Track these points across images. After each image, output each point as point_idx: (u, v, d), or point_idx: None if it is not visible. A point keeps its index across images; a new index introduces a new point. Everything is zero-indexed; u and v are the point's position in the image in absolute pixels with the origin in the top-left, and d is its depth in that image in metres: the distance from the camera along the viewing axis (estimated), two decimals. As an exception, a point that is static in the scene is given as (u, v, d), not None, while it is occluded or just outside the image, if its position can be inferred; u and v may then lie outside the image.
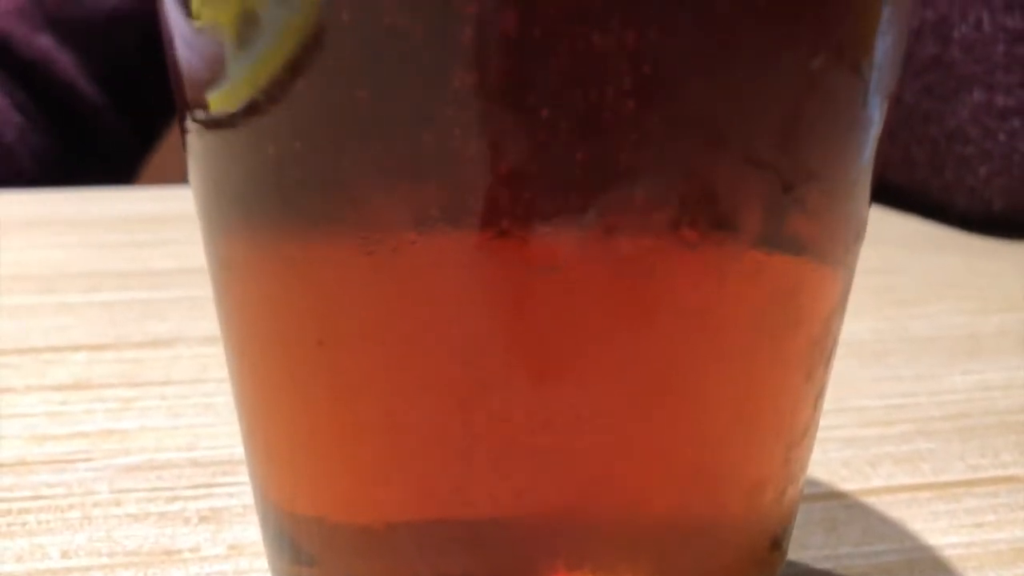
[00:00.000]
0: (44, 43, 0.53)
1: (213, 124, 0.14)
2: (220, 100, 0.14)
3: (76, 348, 0.28)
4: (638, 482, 0.14)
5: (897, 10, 0.13)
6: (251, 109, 0.13)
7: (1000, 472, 0.23)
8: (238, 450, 0.23)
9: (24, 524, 0.20)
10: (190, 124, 0.15)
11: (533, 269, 0.13)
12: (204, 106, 0.14)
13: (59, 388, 0.26)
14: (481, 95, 0.12)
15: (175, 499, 0.21)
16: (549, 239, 0.13)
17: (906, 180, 0.42)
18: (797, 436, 0.15)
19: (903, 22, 0.13)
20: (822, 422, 0.25)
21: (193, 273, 0.34)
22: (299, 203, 0.13)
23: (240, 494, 0.21)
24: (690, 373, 0.13)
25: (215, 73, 0.14)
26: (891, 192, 0.44)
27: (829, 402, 0.26)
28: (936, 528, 0.21)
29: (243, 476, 0.22)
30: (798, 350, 0.14)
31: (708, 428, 0.14)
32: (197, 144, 0.15)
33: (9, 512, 0.20)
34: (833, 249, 0.14)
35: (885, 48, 0.13)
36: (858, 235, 0.14)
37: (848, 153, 0.13)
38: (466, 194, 0.12)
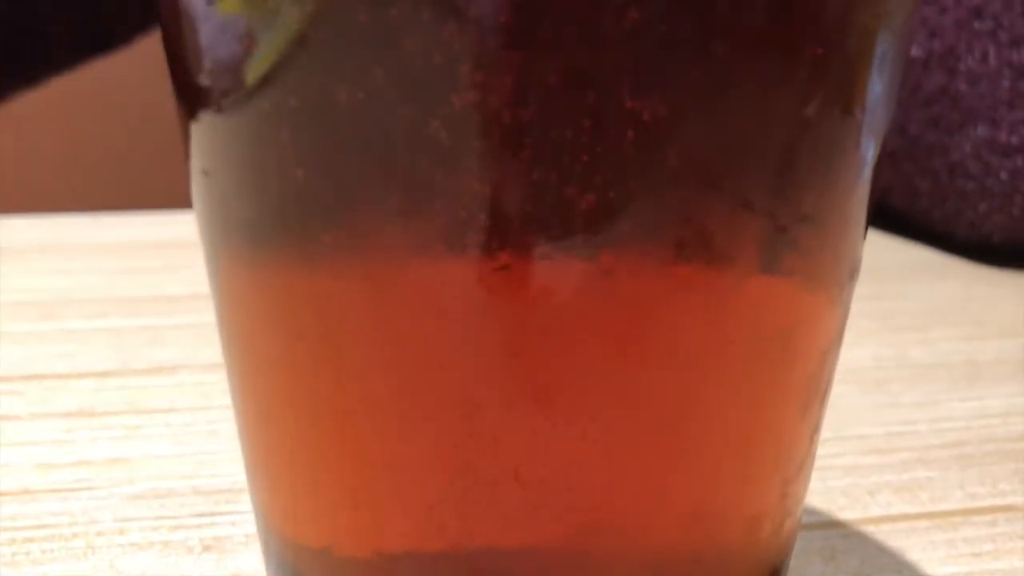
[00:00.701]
0: None
1: (215, 150, 0.14)
2: (222, 128, 0.14)
3: (81, 375, 0.28)
4: (636, 516, 0.14)
5: (891, 52, 0.13)
6: (253, 137, 0.14)
7: (998, 501, 0.24)
8: (242, 478, 0.23)
9: (28, 553, 0.20)
10: (194, 150, 0.15)
11: (530, 304, 0.13)
12: (207, 133, 0.14)
13: (65, 416, 0.26)
14: (483, 134, 0.12)
15: (179, 528, 0.21)
16: (546, 276, 0.13)
17: (909, 208, 0.42)
18: (794, 471, 0.15)
19: (898, 63, 0.14)
20: (822, 450, 0.26)
21: (198, 299, 0.34)
22: (300, 230, 0.14)
23: (243, 523, 0.21)
24: (686, 409, 0.13)
25: (218, 104, 0.14)
26: (894, 218, 0.44)
27: (829, 430, 0.26)
28: (934, 558, 0.21)
29: (246, 505, 0.22)
30: (794, 386, 0.14)
31: (705, 463, 0.14)
32: (200, 169, 0.15)
33: (13, 541, 0.20)
34: (828, 287, 0.14)
35: (878, 91, 0.13)
36: (853, 272, 0.15)
37: (842, 194, 0.13)
38: (466, 227, 0.13)
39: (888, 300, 0.37)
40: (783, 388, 0.14)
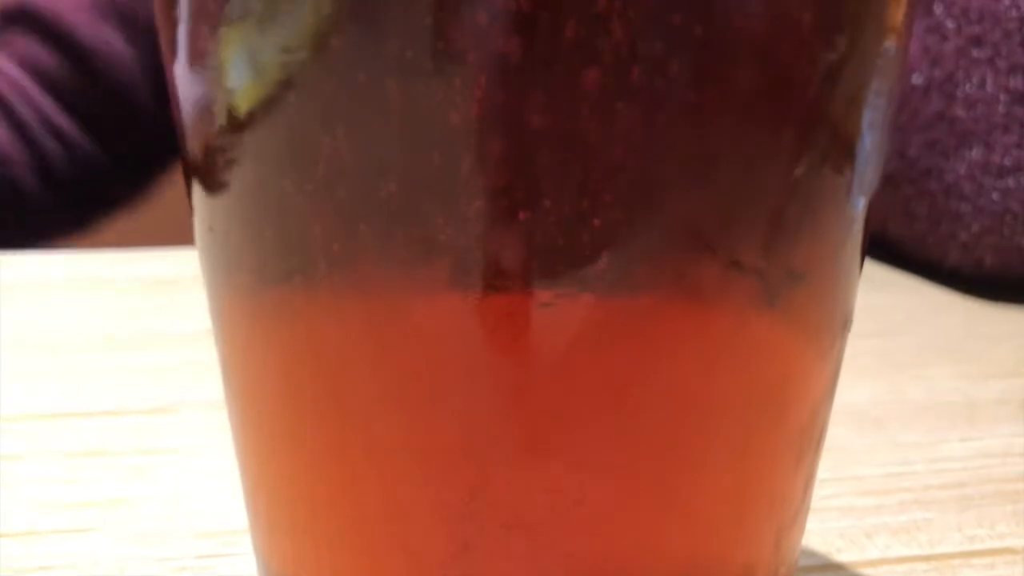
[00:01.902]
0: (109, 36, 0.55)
1: (216, 187, 0.15)
2: (223, 165, 0.14)
3: (84, 415, 0.28)
4: (632, 565, 0.14)
5: (880, 113, 0.14)
6: (254, 174, 0.14)
7: (997, 544, 0.24)
8: (243, 520, 0.23)
9: (31, 595, 0.20)
10: (195, 187, 0.15)
11: (526, 354, 0.13)
12: (208, 170, 0.15)
13: (67, 455, 0.26)
14: (482, 183, 0.12)
15: (181, 569, 0.21)
16: (541, 325, 0.13)
17: (906, 233, 0.43)
18: (788, 519, 0.15)
19: (887, 122, 0.14)
20: (819, 491, 0.26)
21: (203, 337, 0.35)
22: (303, 280, 0.14)
23: (244, 565, 0.22)
24: (680, 460, 0.14)
25: (218, 139, 0.14)
26: (890, 245, 0.45)
27: (826, 471, 0.27)
28: (932, 602, 0.21)
29: (247, 546, 0.22)
30: (787, 438, 0.14)
31: (699, 514, 0.14)
32: (201, 206, 0.15)
33: (17, 583, 0.21)
34: (819, 340, 0.14)
35: (868, 150, 0.14)
36: (845, 324, 0.15)
37: (832, 250, 0.14)
38: (464, 275, 0.13)
39: (886, 338, 0.37)
40: (776, 439, 0.14)
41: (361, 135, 0.13)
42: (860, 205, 0.14)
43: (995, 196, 0.39)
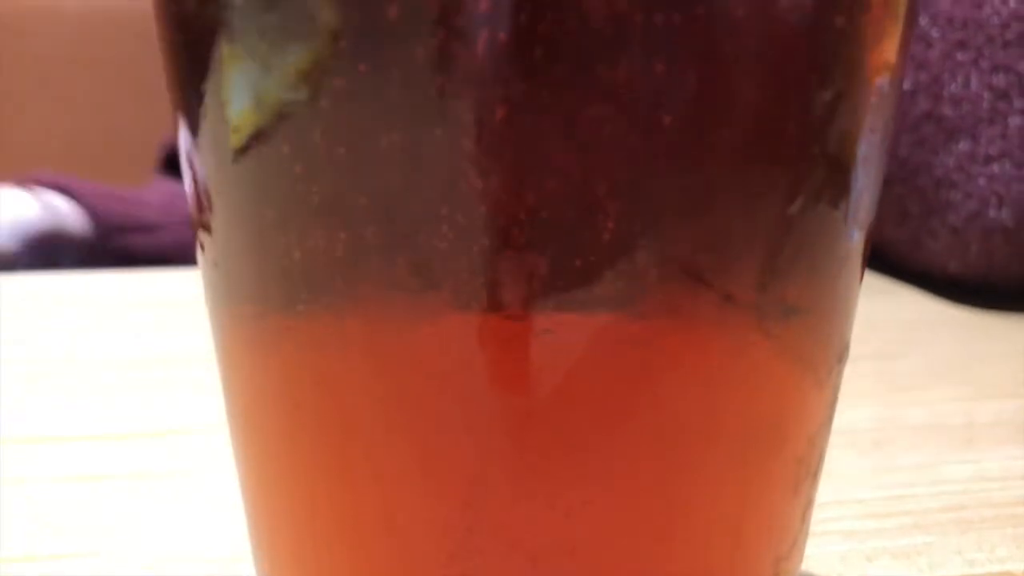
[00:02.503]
0: None
1: (219, 219, 0.15)
2: (224, 198, 0.14)
3: (84, 438, 0.28)
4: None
5: (875, 146, 0.14)
6: (257, 202, 0.14)
7: (997, 567, 0.24)
8: (245, 544, 0.23)
9: (33, 621, 0.20)
10: (204, 244, 0.15)
11: (527, 382, 0.13)
12: (210, 203, 0.15)
13: (68, 479, 0.26)
14: (482, 215, 0.13)
15: (181, 594, 0.21)
16: (541, 356, 0.13)
17: (898, 233, 0.45)
18: (786, 548, 0.15)
19: (881, 158, 0.14)
20: (819, 514, 0.26)
21: (202, 360, 0.35)
22: (306, 309, 0.14)
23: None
24: (677, 490, 0.14)
25: (219, 173, 0.14)
26: (883, 247, 0.47)
27: (826, 494, 0.27)
28: (932, 627, 0.21)
29: (249, 570, 0.22)
30: (784, 468, 0.14)
31: (697, 544, 0.14)
32: (205, 238, 0.15)
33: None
34: (816, 372, 0.14)
35: (863, 184, 0.14)
36: (841, 355, 0.15)
37: (827, 285, 0.14)
38: (464, 302, 0.13)
39: (886, 359, 0.37)
40: (773, 469, 0.14)
41: (361, 169, 0.13)
42: (855, 238, 0.14)
43: (982, 182, 0.42)
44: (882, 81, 0.13)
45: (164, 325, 0.38)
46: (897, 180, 0.44)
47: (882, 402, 0.33)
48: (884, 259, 0.47)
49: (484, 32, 0.12)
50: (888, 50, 0.13)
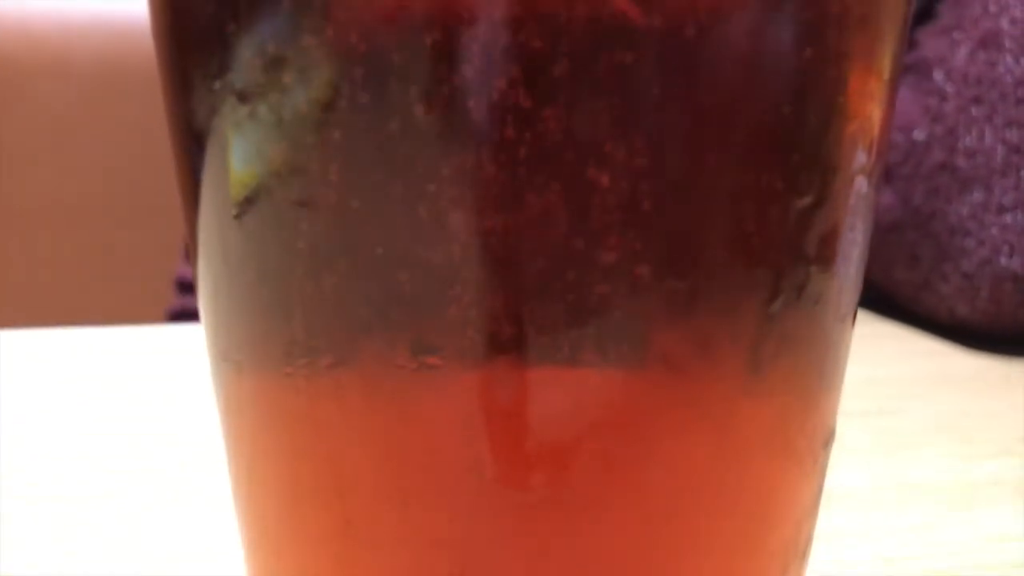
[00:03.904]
0: None
1: (216, 274, 0.15)
2: (222, 254, 0.15)
3: (81, 498, 0.29)
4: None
5: (855, 244, 0.14)
6: (255, 257, 0.14)
7: (992, 631, 0.24)
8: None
9: None
10: (200, 268, 0.16)
11: (522, 434, 0.14)
12: (212, 254, 0.15)
13: (61, 539, 0.26)
14: (481, 268, 0.13)
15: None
16: (536, 414, 0.13)
17: (910, 277, 0.47)
18: (776, 628, 0.15)
19: (862, 251, 0.15)
20: (816, 574, 0.26)
21: (202, 423, 0.35)
22: (306, 368, 0.14)
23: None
24: (665, 573, 0.14)
25: (217, 228, 0.15)
26: (894, 290, 0.48)
27: (823, 554, 0.27)
28: None
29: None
30: (771, 552, 0.15)
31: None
32: (205, 283, 0.16)
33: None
34: (801, 460, 0.15)
35: (842, 280, 0.14)
36: (827, 442, 0.15)
37: (811, 376, 0.14)
38: (460, 357, 0.13)
39: (884, 417, 0.37)
40: (760, 555, 0.15)
41: (353, 229, 0.13)
42: (838, 330, 0.14)
43: (995, 231, 0.44)
44: (860, 182, 0.14)
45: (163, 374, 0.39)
46: (910, 226, 0.46)
47: (879, 461, 0.33)
48: (892, 300, 0.48)
49: (484, 98, 0.12)
50: (865, 156, 0.14)
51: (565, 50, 0.12)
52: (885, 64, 0.14)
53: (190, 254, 0.16)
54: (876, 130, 0.14)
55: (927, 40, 0.46)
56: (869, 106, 0.14)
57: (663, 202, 0.13)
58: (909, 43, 0.47)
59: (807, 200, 0.13)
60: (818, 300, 0.14)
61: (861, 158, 0.14)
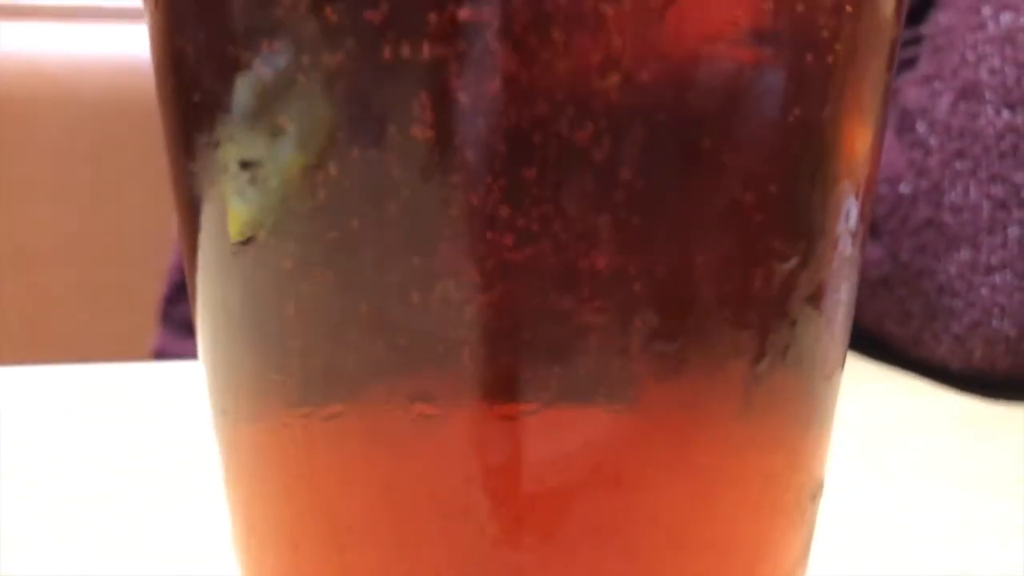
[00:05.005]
0: None
1: (221, 313, 0.15)
2: (224, 298, 0.15)
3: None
4: None
5: (840, 305, 0.14)
6: (254, 307, 0.15)
7: None
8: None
9: None
10: (200, 314, 0.16)
11: (518, 486, 0.14)
12: (212, 303, 0.15)
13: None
14: (478, 319, 0.13)
15: None
16: (532, 469, 0.14)
17: (902, 331, 0.47)
18: None
19: (847, 312, 0.15)
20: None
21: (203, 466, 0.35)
22: (303, 420, 0.14)
23: None
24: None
25: (224, 272, 0.15)
26: (887, 343, 0.48)
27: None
28: None
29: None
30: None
31: None
32: (204, 332, 0.16)
33: None
34: (789, 513, 0.15)
35: (827, 341, 0.14)
36: (815, 495, 0.16)
37: (799, 431, 0.15)
38: (458, 404, 0.13)
39: (883, 453, 0.37)
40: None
41: (346, 290, 0.13)
42: (823, 387, 0.15)
43: (984, 291, 0.43)
44: (844, 244, 0.14)
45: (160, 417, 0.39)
46: (900, 282, 0.46)
47: (875, 505, 0.33)
48: (886, 349, 0.48)
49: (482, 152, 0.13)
50: (849, 216, 0.14)
51: (552, 129, 0.12)
52: (868, 129, 0.14)
53: (190, 304, 0.17)
54: (861, 192, 0.14)
55: (908, 89, 0.46)
56: (853, 170, 0.14)
57: (651, 268, 0.13)
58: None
59: (792, 263, 0.13)
60: (803, 360, 0.14)
61: (845, 220, 0.14)
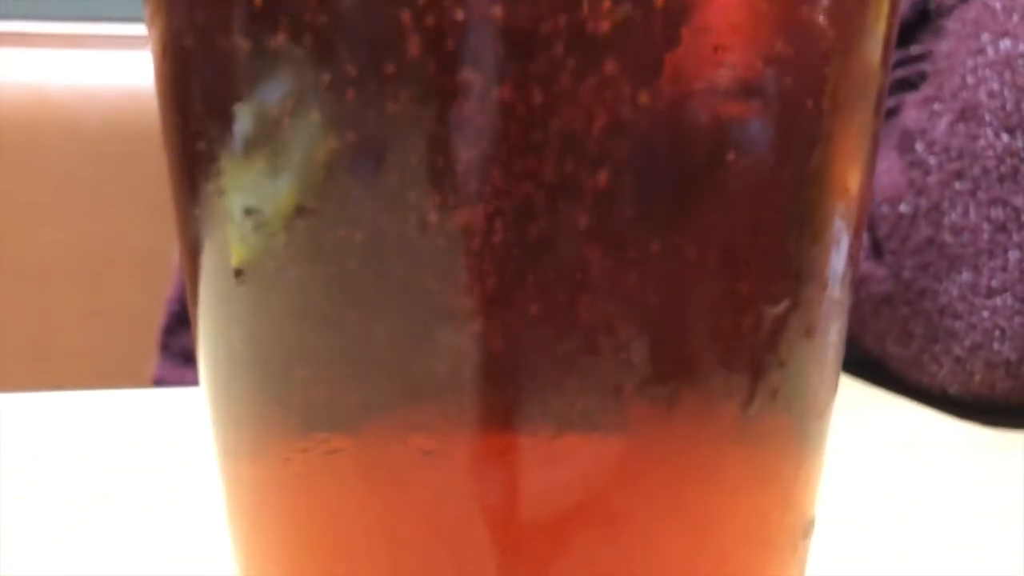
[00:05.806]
0: None
1: (222, 347, 0.15)
2: (226, 327, 0.15)
3: None
4: None
5: (829, 348, 0.15)
6: (255, 341, 0.15)
7: None
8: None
9: None
10: (201, 347, 0.16)
11: (518, 517, 0.14)
12: (213, 336, 0.16)
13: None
14: (476, 352, 0.13)
15: None
16: (531, 501, 0.14)
17: (903, 351, 0.47)
18: None
19: (837, 354, 0.15)
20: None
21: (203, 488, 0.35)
22: (302, 450, 0.15)
23: None
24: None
25: (226, 306, 0.15)
26: (887, 363, 0.48)
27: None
28: None
29: None
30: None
31: None
32: (207, 362, 0.16)
33: None
34: (780, 551, 0.15)
35: (817, 384, 0.15)
36: (806, 532, 0.16)
37: (788, 473, 0.15)
38: (459, 435, 0.14)
39: (882, 483, 0.37)
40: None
41: (347, 330, 0.14)
42: (814, 427, 0.15)
43: (985, 314, 0.43)
44: (833, 287, 0.15)
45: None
46: (902, 301, 0.46)
47: (872, 534, 0.33)
48: (885, 372, 0.48)
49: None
50: (838, 259, 0.15)
51: (546, 177, 0.13)
52: (856, 175, 0.15)
53: (192, 337, 0.17)
54: (849, 236, 0.15)
55: (909, 109, 0.46)
56: (841, 215, 0.14)
57: (642, 312, 0.13)
58: (892, 109, 0.47)
59: (782, 307, 0.14)
60: (794, 401, 0.14)
61: (834, 264, 0.14)
